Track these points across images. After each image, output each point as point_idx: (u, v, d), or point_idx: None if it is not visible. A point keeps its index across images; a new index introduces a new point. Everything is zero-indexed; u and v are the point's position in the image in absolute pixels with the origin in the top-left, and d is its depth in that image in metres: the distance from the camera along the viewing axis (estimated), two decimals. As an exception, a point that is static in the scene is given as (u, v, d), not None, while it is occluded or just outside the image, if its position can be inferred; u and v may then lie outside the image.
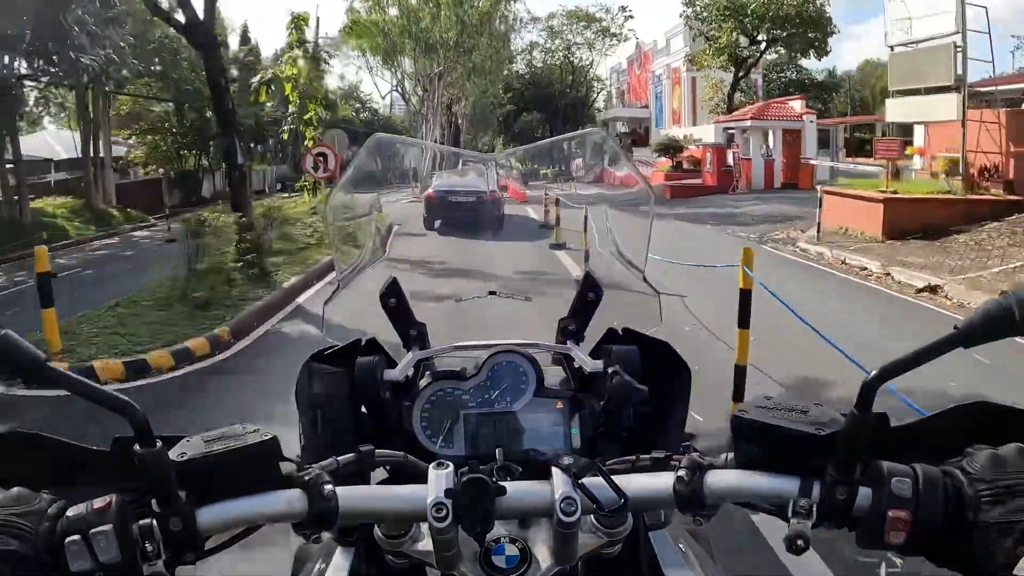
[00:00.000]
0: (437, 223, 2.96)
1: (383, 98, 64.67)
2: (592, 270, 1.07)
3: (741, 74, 29.12)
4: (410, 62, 31.55)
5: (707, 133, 30.41)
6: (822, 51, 28.04)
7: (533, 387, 0.94)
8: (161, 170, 26.60)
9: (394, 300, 1.02)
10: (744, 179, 22.21)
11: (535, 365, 0.96)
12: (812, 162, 22.03)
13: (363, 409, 0.92)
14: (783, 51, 27.68)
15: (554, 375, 1.04)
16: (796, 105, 24.49)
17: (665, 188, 22.34)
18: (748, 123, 23.67)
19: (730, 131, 25.20)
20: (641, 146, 44.03)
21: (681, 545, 0.84)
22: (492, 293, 1.19)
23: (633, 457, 0.72)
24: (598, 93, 54.70)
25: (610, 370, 0.90)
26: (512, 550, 0.67)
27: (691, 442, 0.82)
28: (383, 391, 0.92)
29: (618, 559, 0.78)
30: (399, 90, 35.41)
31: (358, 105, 62.48)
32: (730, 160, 23.18)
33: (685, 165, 29.91)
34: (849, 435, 0.57)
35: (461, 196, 3.04)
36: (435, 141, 30.27)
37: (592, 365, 0.96)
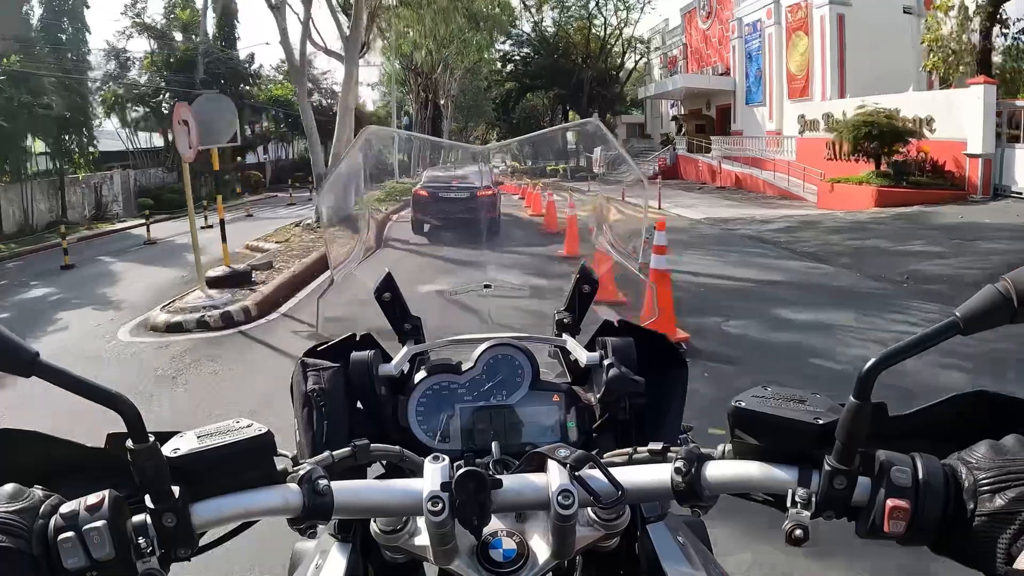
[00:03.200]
0: (426, 227, 2.67)
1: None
2: (587, 262, 1.07)
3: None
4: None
5: (934, 106, 15.42)
6: None
7: (529, 380, 0.93)
8: None
9: (389, 294, 1.02)
10: None
11: (531, 358, 0.94)
12: None
13: (358, 404, 0.90)
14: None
15: (550, 368, 1.03)
16: None
17: None
18: None
19: None
20: (716, 133, 29.22)
21: (680, 537, 0.81)
22: (487, 286, 1.21)
23: (630, 449, 0.71)
24: (638, 61, 39.19)
25: (606, 362, 0.89)
26: (509, 544, 0.66)
27: (688, 434, 0.87)
28: (378, 386, 0.90)
29: (616, 552, 0.78)
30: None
31: (310, 85, 47.28)
32: None
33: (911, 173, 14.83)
34: (847, 424, 0.56)
35: (454, 192, 2.91)
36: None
37: (588, 357, 0.94)
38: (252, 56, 36.54)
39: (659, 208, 16.62)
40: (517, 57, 42.60)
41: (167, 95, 30.71)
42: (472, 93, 48.19)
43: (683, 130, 30.40)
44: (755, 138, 24.66)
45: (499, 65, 44.10)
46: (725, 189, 21.73)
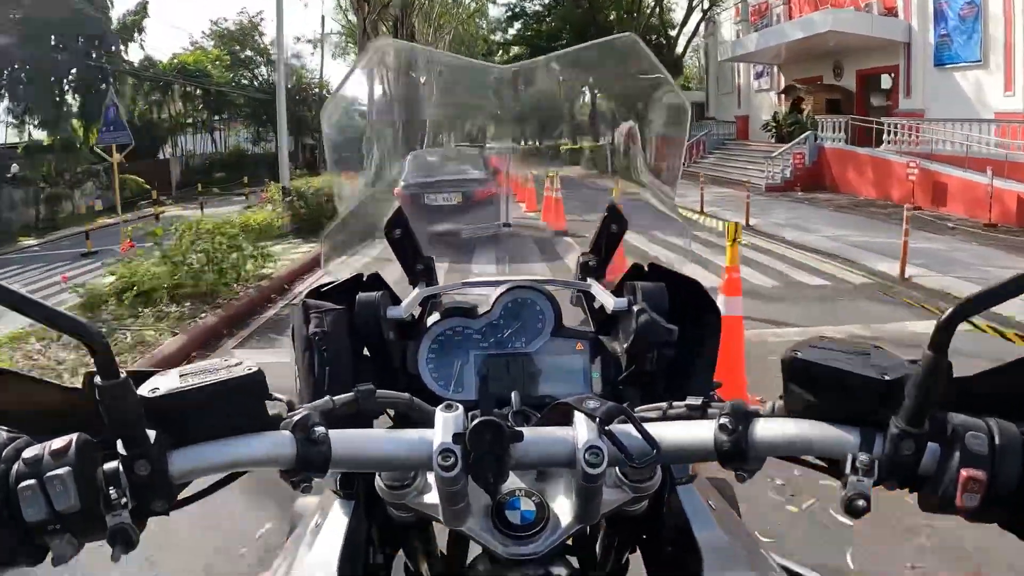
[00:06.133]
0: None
1: None
2: (616, 200, 1.00)
3: None
4: None
5: None
6: None
7: (551, 326, 0.88)
8: None
9: (399, 231, 0.95)
10: None
11: (553, 302, 0.89)
12: None
13: (365, 351, 0.85)
14: None
15: (572, 315, 0.97)
16: None
17: None
18: None
19: None
20: (859, 112, 17.89)
21: (711, 501, 0.76)
22: (507, 225, 1.17)
23: (665, 404, 0.66)
24: (707, 11, 27.44)
25: (635, 308, 0.83)
26: (528, 505, 0.60)
27: (717, 391, 0.79)
28: (386, 330, 0.84)
29: (642, 517, 0.73)
30: None
31: (256, 56, 35.49)
32: None
33: None
34: (921, 380, 0.50)
35: (446, 189, 2.37)
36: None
37: (616, 303, 0.88)
38: (144, 6, 24.67)
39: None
40: (529, 11, 30.94)
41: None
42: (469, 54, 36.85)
43: (805, 109, 18.96)
44: (969, 121, 13.46)
45: (499, 35, 32.64)
46: (998, 230, 10.39)
